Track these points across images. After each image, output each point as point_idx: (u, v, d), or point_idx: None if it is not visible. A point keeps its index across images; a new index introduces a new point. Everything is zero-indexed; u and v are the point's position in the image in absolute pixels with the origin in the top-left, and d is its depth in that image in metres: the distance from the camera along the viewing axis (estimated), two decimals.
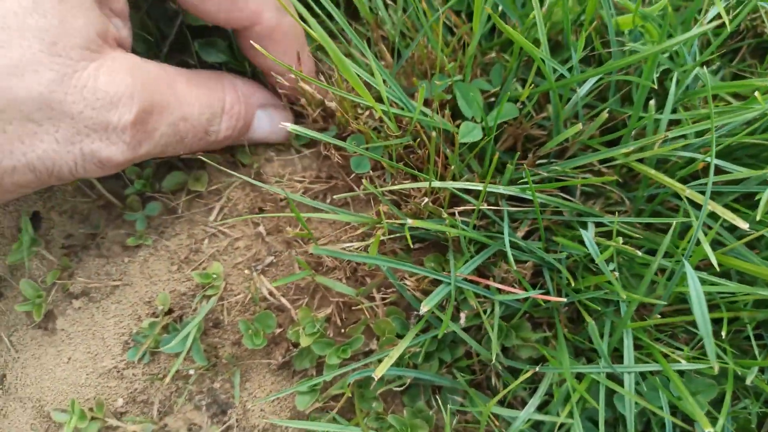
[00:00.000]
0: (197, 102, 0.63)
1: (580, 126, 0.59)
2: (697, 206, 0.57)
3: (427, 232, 0.68)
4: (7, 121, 0.50)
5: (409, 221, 0.53)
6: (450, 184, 0.61)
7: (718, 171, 0.61)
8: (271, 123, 0.72)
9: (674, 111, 0.68)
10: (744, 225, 0.51)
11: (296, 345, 0.70)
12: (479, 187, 0.61)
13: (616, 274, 0.55)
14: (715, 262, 0.51)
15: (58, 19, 0.50)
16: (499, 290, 0.62)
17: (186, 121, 0.62)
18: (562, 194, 0.70)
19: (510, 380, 0.66)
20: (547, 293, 0.64)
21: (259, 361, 0.70)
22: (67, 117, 0.52)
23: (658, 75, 0.63)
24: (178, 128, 0.62)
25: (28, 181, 0.55)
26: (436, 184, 0.61)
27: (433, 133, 0.63)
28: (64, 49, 0.51)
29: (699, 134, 0.64)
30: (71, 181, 0.59)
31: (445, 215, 0.61)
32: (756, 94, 0.54)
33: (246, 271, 0.70)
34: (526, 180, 0.67)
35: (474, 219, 0.62)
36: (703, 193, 0.53)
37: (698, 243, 0.53)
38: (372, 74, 0.72)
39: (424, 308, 0.57)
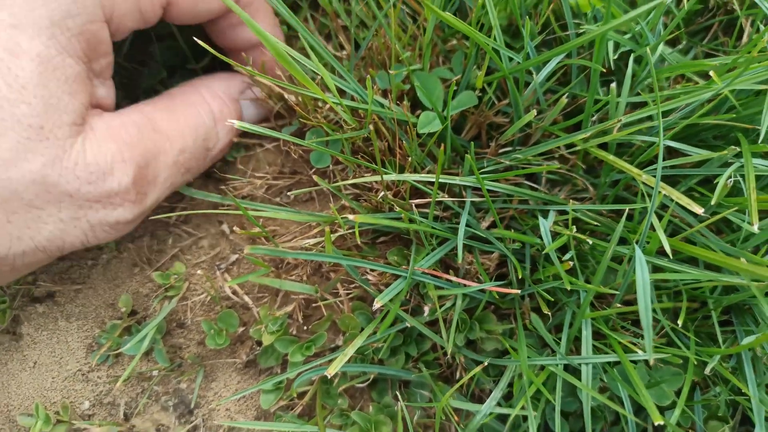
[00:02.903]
0: (188, 130, 0.62)
1: (534, 113, 0.58)
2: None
3: (389, 221, 0.67)
4: (10, 212, 0.50)
5: (351, 217, 0.52)
6: (403, 177, 0.60)
7: (681, 154, 0.59)
8: (251, 103, 0.71)
9: (639, 93, 0.66)
10: (699, 210, 0.49)
11: (260, 343, 0.69)
12: (434, 178, 0.59)
13: (571, 263, 0.53)
14: (668, 249, 0.49)
15: (43, 102, 0.49)
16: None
17: (185, 153, 0.62)
18: (528, 182, 0.68)
19: (477, 374, 0.65)
20: (510, 284, 0.63)
21: (225, 360, 0.70)
22: (65, 196, 0.52)
23: (615, 57, 0.61)
24: (180, 163, 0.61)
25: (39, 260, 0.56)
26: (389, 177, 0.59)
27: (370, 125, 0.62)
28: (52, 130, 0.50)
29: (666, 114, 0.62)
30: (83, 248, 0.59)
31: (398, 209, 0.60)
32: (711, 73, 0.53)
33: (200, 272, 0.69)
34: (487, 169, 0.66)
35: (432, 211, 0.61)
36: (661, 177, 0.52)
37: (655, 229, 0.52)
38: (332, 69, 0.71)
39: (377, 304, 0.56)
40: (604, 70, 0.55)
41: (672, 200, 0.53)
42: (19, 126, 0.49)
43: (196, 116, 0.64)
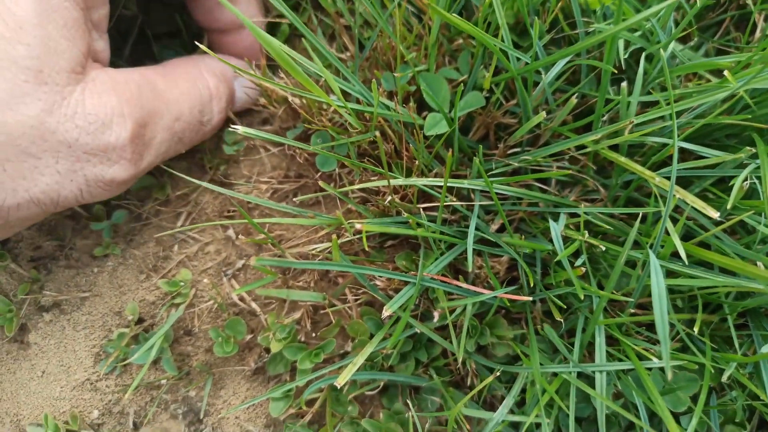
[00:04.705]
0: (185, 98, 0.62)
1: (544, 114, 0.56)
2: None
3: (396, 228, 0.66)
4: (4, 159, 0.48)
5: (358, 225, 0.51)
6: (411, 181, 0.59)
7: (695, 156, 0.58)
8: (244, 90, 0.72)
9: (650, 92, 0.65)
10: (714, 214, 0.48)
11: (269, 350, 0.68)
12: (442, 182, 0.58)
13: (583, 269, 0.52)
14: (683, 254, 0.48)
15: (42, 45, 0.48)
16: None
17: (180, 120, 0.61)
18: (537, 184, 0.67)
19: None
20: (521, 288, 0.62)
21: (233, 367, 0.69)
22: (63, 146, 0.51)
23: (626, 56, 0.60)
24: (174, 130, 0.61)
25: (33, 215, 0.54)
26: (397, 181, 0.58)
27: (376, 131, 0.61)
28: (50, 75, 0.49)
29: (678, 114, 0.61)
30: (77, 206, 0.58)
31: (405, 214, 0.59)
32: (726, 73, 0.51)
33: (206, 280, 0.69)
34: (496, 171, 0.65)
35: (440, 215, 0.60)
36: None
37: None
38: (335, 70, 0.70)
39: (386, 312, 0.55)
40: (615, 71, 0.53)
41: (686, 203, 0.52)
42: (16, 67, 0.47)
43: (193, 87, 0.64)
